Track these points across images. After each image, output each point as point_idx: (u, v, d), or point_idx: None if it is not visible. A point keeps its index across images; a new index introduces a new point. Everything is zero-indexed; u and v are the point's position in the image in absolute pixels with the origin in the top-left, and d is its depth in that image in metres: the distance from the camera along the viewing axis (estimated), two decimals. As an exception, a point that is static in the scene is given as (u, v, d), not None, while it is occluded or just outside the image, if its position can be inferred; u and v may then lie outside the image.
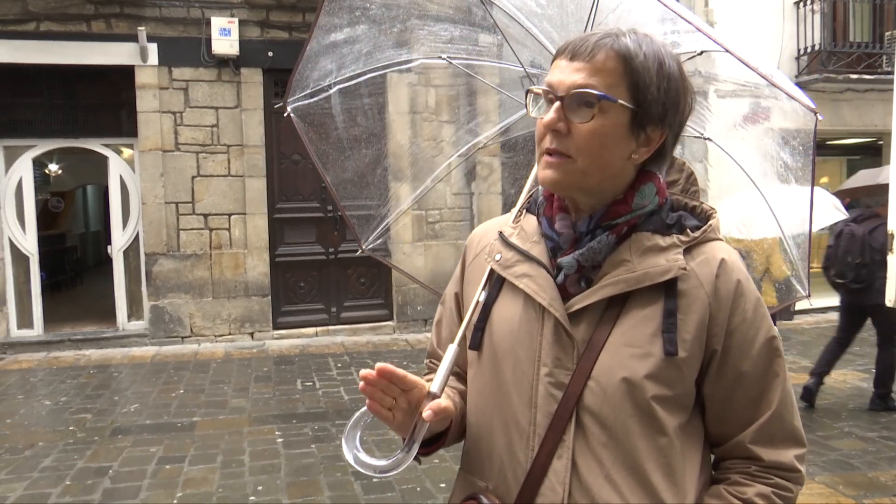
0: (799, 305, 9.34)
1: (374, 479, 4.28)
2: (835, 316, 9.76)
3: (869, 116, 10.16)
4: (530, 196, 1.26)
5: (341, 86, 2.09)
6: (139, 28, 7.85)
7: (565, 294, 1.11)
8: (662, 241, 1.09)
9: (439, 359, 1.24)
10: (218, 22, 8.11)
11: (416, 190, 2.37)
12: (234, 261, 8.55)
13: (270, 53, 8.32)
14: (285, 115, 2.11)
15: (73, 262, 13.52)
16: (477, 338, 1.19)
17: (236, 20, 8.20)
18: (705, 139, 2.05)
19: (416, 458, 1.12)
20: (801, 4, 9.73)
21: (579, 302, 1.09)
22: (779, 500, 1.09)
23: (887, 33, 9.43)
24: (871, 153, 11.51)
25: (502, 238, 1.20)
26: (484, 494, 1.13)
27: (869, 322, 5.74)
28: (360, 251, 2.31)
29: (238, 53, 8.20)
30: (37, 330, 8.22)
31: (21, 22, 7.80)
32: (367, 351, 8.06)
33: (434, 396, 1.11)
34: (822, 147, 11.19)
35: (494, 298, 1.19)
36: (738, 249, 5.17)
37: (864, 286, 5.41)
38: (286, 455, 4.74)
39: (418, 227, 9.04)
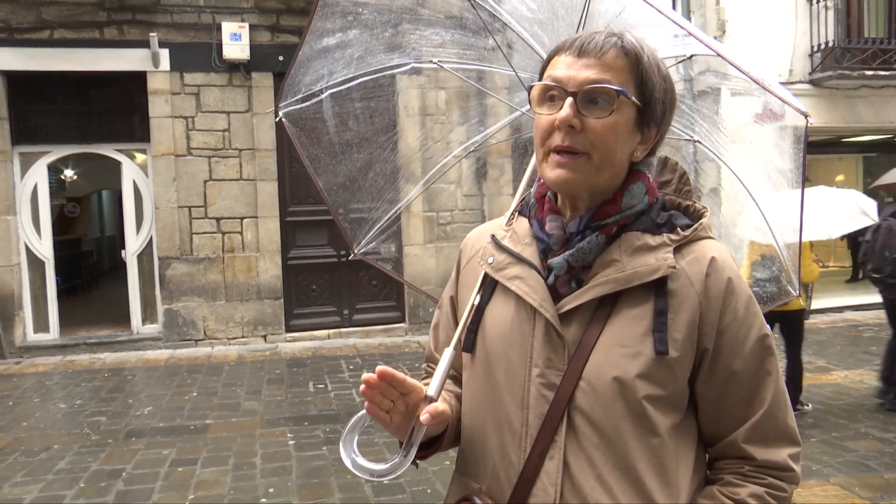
0: (814, 305, 9.25)
1: (384, 482, 4.29)
2: (851, 315, 9.72)
3: (885, 113, 10.03)
4: (523, 199, 1.26)
5: (333, 90, 2.10)
6: (151, 34, 7.92)
7: (556, 295, 1.11)
8: (652, 240, 1.08)
9: (437, 363, 1.25)
10: (229, 27, 8.17)
11: (408, 194, 2.38)
12: (246, 264, 8.59)
13: (281, 58, 8.36)
14: (277, 119, 2.12)
15: (88, 267, 13.66)
16: (470, 340, 1.19)
17: (247, 25, 8.25)
18: (695, 142, 2.04)
19: (413, 462, 1.13)
20: (815, 1, 9.64)
21: (570, 302, 1.09)
22: (772, 501, 1.07)
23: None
24: (888, 150, 11.39)
25: (494, 241, 1.20)
26: (477, 495, 1.13)
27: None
28: (351, 255, 2.31)
29: (249, 58, 8.24)
30: (53, 334, 8.31)
31: (35, 30, 7.90)
32: (379, 353, 8.07)
33: (431, 400, 1.12)
34: (838, 145, 11.10)
35: (487, 301, 1.19)
36: (766, 256, 5.19)
37: None
38: (297, 457, 4.75)
39: (429, 229, 9.05)
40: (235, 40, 8.20)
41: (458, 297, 1.31)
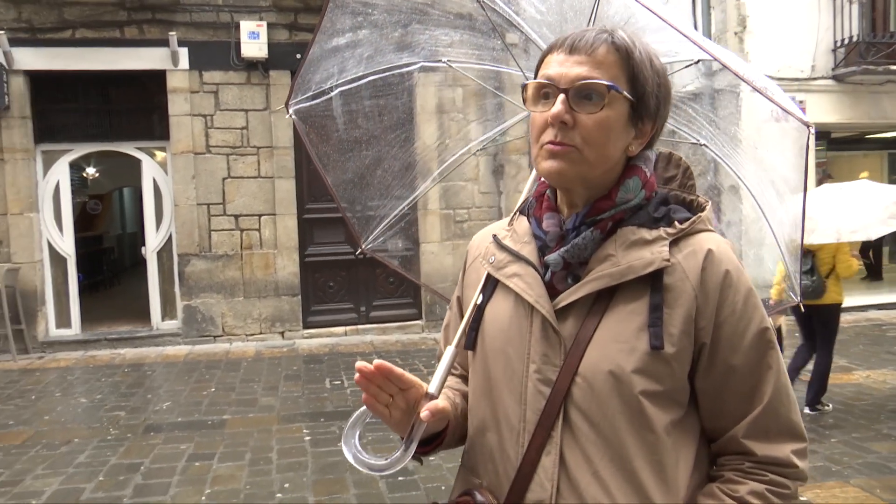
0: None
1: (397, 478, 4.30)
2: (874, 314, 9.57)
3: (910, 108, 9.86)
4: (526, 199, 1.27)
5: (342, 88, 2.12)
6: (170, 33, 8.00)
7: (554, 292, 1.11)
8: (648, 234, 1.08)
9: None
10: (247, 26, 8.22)
11: (415, 191, 2.38)
12: (264, 261, 8.65)
13: (298, 56, 8.39)
14: (287, 116, 2.14)
15: (110, 263, 13.85)
16: (471, 338, 1.20)
17: (265, 23, 8.30)
18: (701, 145, 2.02)
19: (416, 458, 1.15)
20: (838, -5, 9.50)
21: (566, 298, 1.09)
22: (774, 498, 1.05)
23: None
24: (914, 146, 11.19)
25: (496, 240, 1.22)
26: (478, 490, 1.13)
27: None
28: (358, 251, 2.33)
29: (267, 56, 8.29)
30: (74, 329, 8.44)
31: (57, 30, 8.01)
32: (395, 350, 8.08)
33: (432, 397, 1.13)
34: (862, 141, 10.93)
35: (488, 299, 1.20)
36: (805, 250, 5.12)
37: None
38: (313, 453, 4.77)
39: (446, 227, 9.05)
40: (253, 39, 8.25)
41: (463, 296, 1.33)
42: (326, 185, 2.23)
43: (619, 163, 1.11)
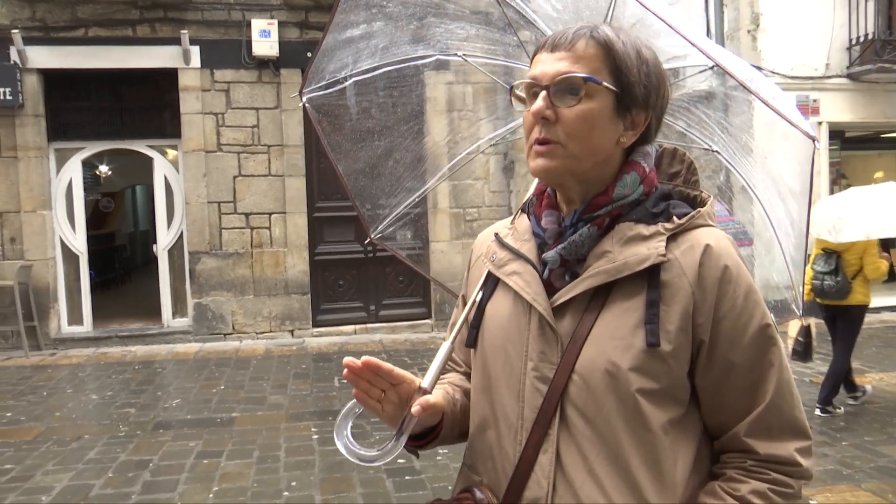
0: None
1: (406, 478, 4.30)
2: (888, 316, 9.47)
3: (927, 108, 9.74)
4: (529, 197, 1.28)
5: (357, 78, 2.12)
6: (182, 31, 8.04)
7: (552, 289, 1.11)
8: (646, 230, 1.07)
9: (455, 362, 1.35)
10: (258, 24, 8.25)
11: (427, 183, 2.38)
12: (274, 259, 8.68)
13: (309, 54, 8.39)
14: (300, 105, 2.15)
15: (122, 261, 13.95)
16: (472, 335, 1.21)
17: (276, 22, 8.32)
18: (714, 152, 2.00)
19: (412, 451, 1.17)
20: (853, -8, 9.39)
21: (563, 295, 1.09)
22: (776, 497, 1.03)
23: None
24: (930, 146, 11.04)
25: (497, 239, 1.23)
26: (478, 487, 1.14)
27: None
28: (367, 240, 2.34)
29: (278, 55, 8.31)
30: (86, 326, 8.50)
31: (70, 28, 8.07)
32: (405, 349, 8.09)
33: (424, 392, 1.14)
34: (877, 140, 10.80)
35: (489, 297, 1.21)
36: (828, 250, 5.10)
37: None
38: (321, 451, 4.78)
39: (456, 225, 9.04)
40: (265, 37, 8.27)
41: (467, 295, 1.33)
42: (337, 174, 2.24)
43: (613, 156, 1.10)
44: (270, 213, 8.66)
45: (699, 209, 1.10)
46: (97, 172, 13.18)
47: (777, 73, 9.23)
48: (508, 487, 1.09)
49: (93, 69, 8.17)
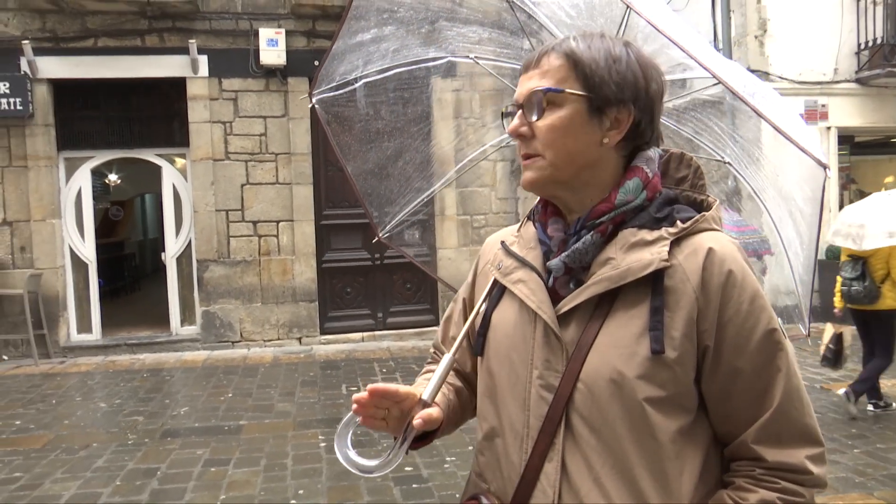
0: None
1: (413, 486, 4.28)
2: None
3: (937, 112, 9.67)
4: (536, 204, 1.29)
5: (367, 79, 2.14)
6: (190, 41, 8.09)
7: (557, 297, 1.11)
8: (649, 235, 1.06)
9: (443, 352, 1.38)
10: (266, 33, 8.29)
11: (435, 184, 2.39)
12: (282, 267, 8.69)
13: (317, 62, 8.40)
14: (310, 106, 2.17)
15: (131, 269, 14.01)
16: (479, 343, 1.22)
17: (283, 31, 8.36)
18: (726, 163, 2.00)
19: (407, 451, 1.19)
20: (862, -3, 9.35)
21: (567, 303, 1.09)
22: None
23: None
24: (940, 151, 10.96)
25: (504, 247, 1.24)
26: (484, 495, 1.15)
27: None
28: (375, 239, 2.35)
29: (285, 63, 8.35)
30: (95, 334, 8.53)
31: (80, 39, 8.14)
32: (412, 356, 8.07)
33: (426, 404, 1.16)
34: (887, 146, 10.73)
35: (495, 305, 1.21)
36: (854, 256, 5.18)
37: None
38: (328, 459, 4.77)
39: (463, 232, 9.04)
40: (272, 46, 8.31)
41: (472, 300, 1.35)
42: (346, 174, 2.25)
43: (604, 160, 1.11)
44: (278, 221, 8.68)
45: (703, 213, 1.09)
46: (106, 181, 13.27)
47: (785, 79, 9.19)
48: (514, 496, 1.10)
49: (102, 79, 8.23)
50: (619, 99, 1.08)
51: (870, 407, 5.49)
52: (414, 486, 4.28)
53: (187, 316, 8.73)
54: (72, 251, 8.44)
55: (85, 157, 8.50)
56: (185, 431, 5.45)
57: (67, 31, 8.11)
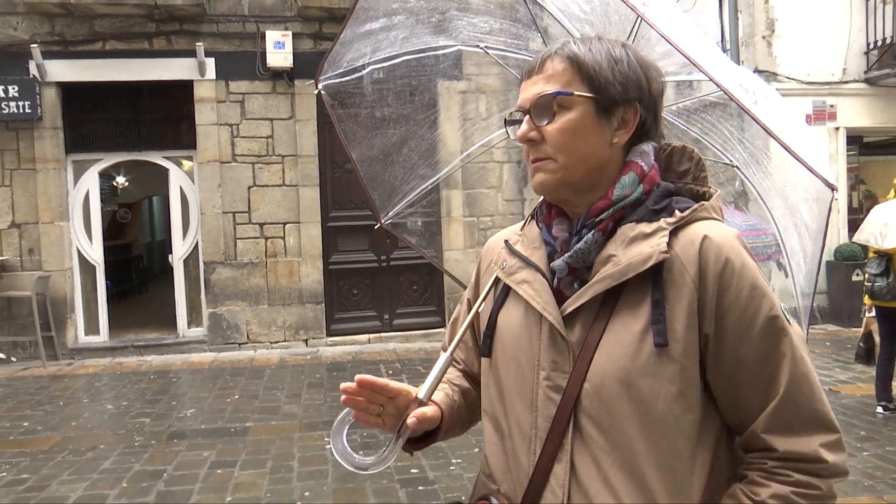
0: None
1: (419, 488, 4.26)
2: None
3: (946, 112, 9.59)
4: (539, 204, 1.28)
5: (375, 66, 2.14)
6: (197, 44, 8.11)
7: (562, 297, 1.11)
8: (647, 227, 1.06)
9: (454, 359, 1.37)
10: (272, 35, 8.31)
11: (440, 171, 2.39)
12: (288, 269, 8.70)
13: (323, 64, 8.45)
14: (315, 92, 2.17)
15: (138, 271, 14.06)
16: (487, 345, 1.21)
17: (290, 33, 8.38)
18: (733, 166, 1.98)
19: (408, 451, 1.20)
20: (870, -3, 9.29)
21: (571, 304, 1.09)
22: (800, 500, 0.99)
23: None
24: (950, 151, 10.87)
25: (507, 246, 1.24)
26: (494, 496, 1.15)
27: None
28: (377, 225, 2.36)
29: (292, 66, 8.36)
30: (102, 336, 8.56)
31: (88, 42, 8.18)
32: (418, 358, 8.06)
33: (421, 403, 1.15)
34: (895, 147, 10.65)
35: (501, 305, 1.21)
36: (880, 253, 5.33)
37: None
38: (334, 461, 4.75)
39: (469, 234, 9.03)
40: (279, 48, 8.33)
41: (473, 300, 1.34)
42: (350, 160, 2.25)
43: (611, 158, 1.12)
44: (285, 223, 8.70)
45: (702, 202, 1.09)
46: (114, 183, 13.33)
47: (793, 79, 9.15)
48: (524, 497, 1.09)
49: (110, 82, 8.26)
50: (624, 99, 1.10)
51: (879, 409, 5.45)
52: (420, 488, 4.27)
53: (194, 318, 8.75)
54: (80, 253, 8.47)
55: (93, 159, 8.54)
56: (192, 433, 5.46)
57: (76, 35, 8.15)
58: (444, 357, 1.20)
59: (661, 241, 1.03)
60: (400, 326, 9.06)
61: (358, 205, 8.90)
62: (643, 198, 1.10)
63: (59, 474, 4.63)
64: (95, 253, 8.55)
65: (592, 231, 1.09)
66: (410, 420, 1.12)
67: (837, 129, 9.42)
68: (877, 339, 5.56)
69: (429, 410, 1.16)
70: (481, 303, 1.23)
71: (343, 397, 1.11)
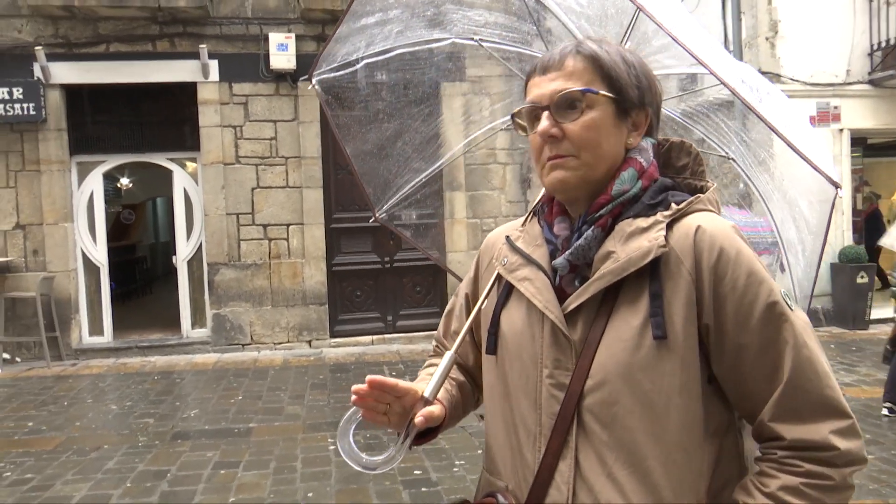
0: (875, 315, 8.87)
1: (423, 489, 4.27)
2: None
3: (951, 114, 9.57)
4: (540, 201, 1.28)
5: (369, 60, 2.14)
6: (201, 46, 8.14)
7: (564, 295, 1.11)
8: (644, 222, 1.07)
9: (444, 346, 1.40)
10: (275, 37, 8.33)
11: (434, 164, 2.39)
12: (292, 270, 8.72)
13: (326, 66, 8.46)
14: (310, 87, 2.18)
15: (142, 272, 14.09)
16: (491, 342, 1.21)
17: (293, 35, 8.40)
18: (730, 159, 1.98)
19: (409, 447, 1.20)
20: (874, -2, 9.28)
21: (573, 301, 1.09)
22: (813, 492, 0.97)
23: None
24: (955, 153, 10.84)
25: (509, 242, 1.23)
26: (502, 493, 1.15)
27: None
28: (372, 219, 2.36)
29: (295, 68, 8.37)
30: (107, 337, 8.58)
31: (92, 44, 8.21)
32: (421, 359, 8.00)
33: (427, 402, 1.17)
34: (899, 148, 10.63)
35: (504, 303, 1.21)
36: None
37: None
38: (337, 462, 4.77)
39: (473, 236, 9.03)
40: (282, 50, 8.35)
41: (475, 295, 1.34)
42: (344, 155, 2.26)
43: (618, 159, 1.13)
44: (288, 225, 8.71)
45: (698, 195, 1.10)
46: (118, 185, 13.36)
47: (797, 80, 9.13)
48: (529, 494, 1.10)
49: (114, 84, 8.29)
50: (640, 101, 1.13)
51: (884, 411, 5.44)
52: (423, 489, 4.28)
53: (198, 319, 8.77)
54: (84, 254, 8.50)
55: (97, 161, 8.56)
56: (196, 434, 5.47)
57: (80, 37, 8.18)
58: (448, 356, 1.21)
59: (658, 234, 1.04)
60: (403, 328, 9.06)
61: (361, 206, 8.89)
62: (640, 194, 1.11)
63: (63, 474, 4.64)
64: (99, 254, 8.57)
65: (592, 227, 1.10)
66: (418, 419, 1.13)
67: (841, 130, 9.40)
68: None
69: (435, 409, 1.17)
70: (484, 300, 1.23)
71: (354, 398, 1.12)
